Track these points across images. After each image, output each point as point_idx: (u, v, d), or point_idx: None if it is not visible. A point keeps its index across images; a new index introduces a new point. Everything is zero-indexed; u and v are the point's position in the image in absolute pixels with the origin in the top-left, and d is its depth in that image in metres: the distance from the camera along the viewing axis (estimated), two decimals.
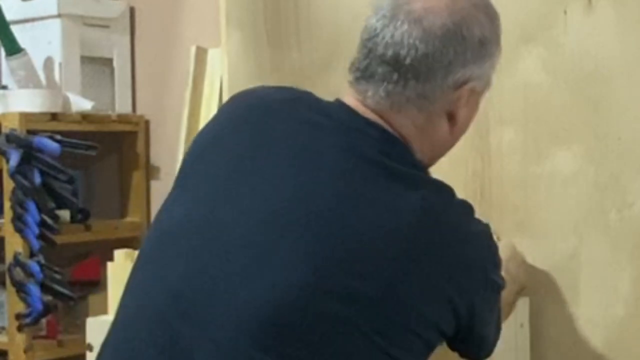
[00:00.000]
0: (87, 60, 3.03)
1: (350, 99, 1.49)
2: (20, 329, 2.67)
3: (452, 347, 1.51)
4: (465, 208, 1.50)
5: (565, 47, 2.16)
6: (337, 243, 1.33)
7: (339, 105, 1.50)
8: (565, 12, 2.15)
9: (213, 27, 2.56)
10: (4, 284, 2.76)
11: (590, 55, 2.13)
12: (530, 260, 2.22)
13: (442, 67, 1.43)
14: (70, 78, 2.96)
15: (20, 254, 2.65)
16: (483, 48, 1.50)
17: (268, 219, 1.35)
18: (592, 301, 2.16)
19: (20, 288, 2.64)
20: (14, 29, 2.84)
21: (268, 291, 1.31)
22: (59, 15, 2.93)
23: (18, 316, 2.66)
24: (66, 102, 2.89)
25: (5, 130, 2.68)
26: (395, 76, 1.43)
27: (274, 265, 1.33)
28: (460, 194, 2.27)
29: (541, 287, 2.20)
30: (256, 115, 1.47)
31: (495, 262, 1.51)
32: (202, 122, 2.69)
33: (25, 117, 2.70)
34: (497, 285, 1.52)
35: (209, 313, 1.33)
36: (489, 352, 1.57)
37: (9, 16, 2.82)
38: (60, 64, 2.95)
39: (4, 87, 2.95)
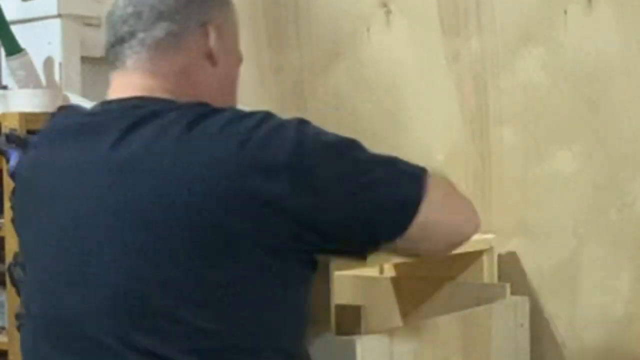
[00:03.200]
0: (87, 60, 3.02)
1: (113, 86, 1.52)
2: (20, 329, 2.67)
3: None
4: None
5: (565, 47, 2.16)
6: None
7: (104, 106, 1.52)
8: (565, 12, 2.15)
9: None
10: (4, 284, 2.75)
11: (590, 55, 2.13)
12: (530, 260, 2.22)
13: (183, 6, 1.50)
14: (70, 78, 2.95)
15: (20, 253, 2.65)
16: None
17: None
18: (592, 301, 2.16)
19: (20, 288, 2.64)
20: (14, 29, 2.83)
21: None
22: (59, 15, 2.93)
23: (18, 316, 2.66)
24: (66, 102, 2.88)
25: (5, 130, 2.67)
26: (141, 23, 1.49)
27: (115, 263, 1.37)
28: None
29: (541, 287, 2.20)
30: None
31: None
32: None
33: (25, 117, 2.69)
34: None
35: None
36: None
37: (9, 16, 2.81)
38: (60, 64, 2.94)
39: (4, 87, 2.95)
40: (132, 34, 1.48)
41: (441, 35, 2.31)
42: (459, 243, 1.55)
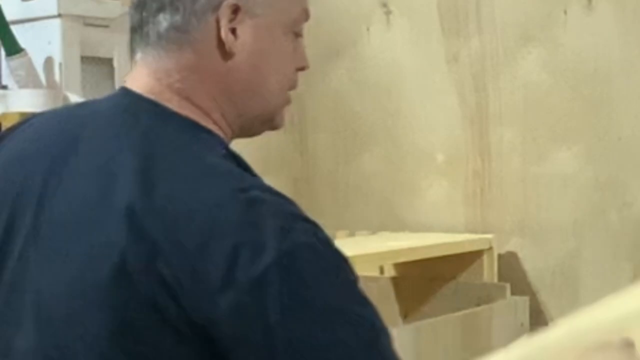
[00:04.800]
0: (87, 60, 3.02)
1: (131, 72, 1.30)
2: None
3: None
4: None
5: (565, 47, 2.16)
6: None
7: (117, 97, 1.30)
8: (565, 12, 2.15)
9: None
10: None
11: (590, 55, 2.13)
12: (530, 260, 2.22)
13: None
14: (70, 78, 2.95)
15: None
16: None
17: None
18: (592, 301, 2.15)
19: None
20: (14, 29, 2.83)
21: None
22: (59, 15, 2.93)
23: None
24: (66, 102, 2.88)
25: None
26: (145, 14, 1.26)
27: None
28: (460, 193, 2.29)
29: (541, 287, 2.20)
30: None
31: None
32: None
33: (25, 117, 2.70)
34: None
35: None
36: None
37: (9, 16, 2.81)
38: (60, 64, 2.94)
39: (4, 87, 2.95)
40: (139, 25, 1.26)
41: (441, 35, 2.31)
42: None
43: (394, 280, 2.25)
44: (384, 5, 2.39)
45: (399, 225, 2.33)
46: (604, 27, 2.11)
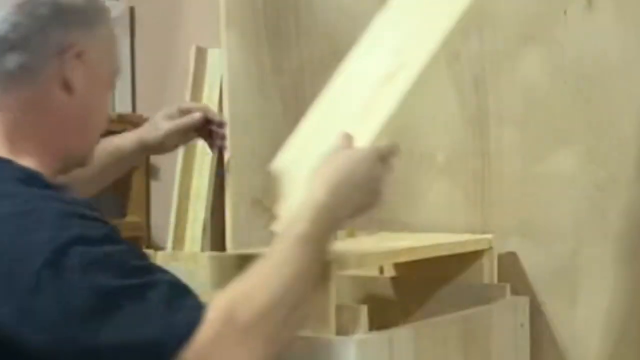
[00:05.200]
0: None
1: None
2: None
3: None
4: None
5: (565, 47, 2.15)
6: None
7: None
8: (565, 12, 2.15)
9: (213, 27, 2.56)
10: None
11: (590, 55, 2.13)
12: (530, 260, 2.22)
13: (37, 33, 1.37)
14: None
15: None
16: (83, 13, 1.46)
17: None
18: (592, 301, 2.16)
19: None
20: None
21: None
22: None
23: None
24: None
25: None
26: None
27: None
28: (460, 194, 2.28)
29: (541, 287, 2.20)
30: None
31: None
32: None
33: None
34: None
35: None
36: None
37: None
38: None
39: None
40: None
41: None
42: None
43: (394, 280, 2.25)
44: (385, 5, 2.39)
45: (399, 226, 2.33)
46: (604, 27, 2.11)
